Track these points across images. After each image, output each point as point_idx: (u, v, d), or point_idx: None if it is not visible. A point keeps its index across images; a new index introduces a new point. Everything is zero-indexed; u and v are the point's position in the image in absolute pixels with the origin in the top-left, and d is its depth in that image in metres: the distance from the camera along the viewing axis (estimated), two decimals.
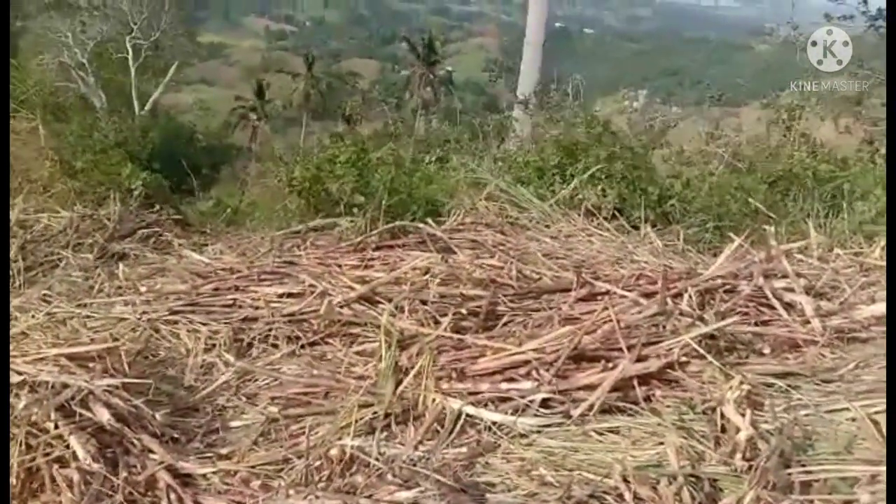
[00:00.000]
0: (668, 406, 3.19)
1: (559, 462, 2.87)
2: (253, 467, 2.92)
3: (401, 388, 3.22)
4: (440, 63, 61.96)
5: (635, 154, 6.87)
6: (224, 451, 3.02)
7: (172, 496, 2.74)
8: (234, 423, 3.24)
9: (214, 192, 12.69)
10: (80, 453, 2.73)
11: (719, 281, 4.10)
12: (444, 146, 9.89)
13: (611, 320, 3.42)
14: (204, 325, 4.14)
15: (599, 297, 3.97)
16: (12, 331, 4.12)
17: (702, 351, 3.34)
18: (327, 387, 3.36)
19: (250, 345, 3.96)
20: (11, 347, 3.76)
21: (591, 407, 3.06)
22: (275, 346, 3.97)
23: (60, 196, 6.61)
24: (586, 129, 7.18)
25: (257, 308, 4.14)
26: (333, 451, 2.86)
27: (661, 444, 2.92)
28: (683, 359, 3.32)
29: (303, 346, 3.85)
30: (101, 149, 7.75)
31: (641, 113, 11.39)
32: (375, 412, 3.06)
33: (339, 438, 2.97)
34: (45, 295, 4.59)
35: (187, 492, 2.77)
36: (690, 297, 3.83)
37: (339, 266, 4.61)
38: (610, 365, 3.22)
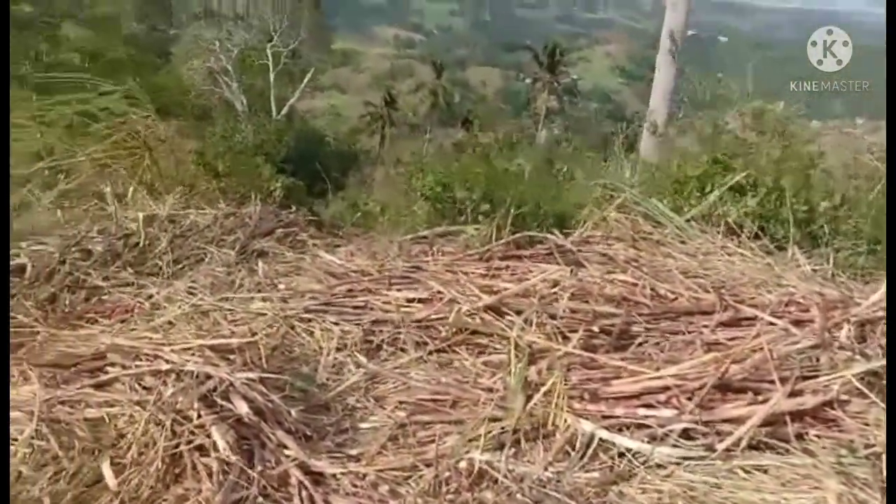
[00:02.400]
0: (824, 447, 2.91)
1: (700, 498, 2.69)
2: (381, 471, 2.92)
3: (530, 404, 3.13)
4: (565, 71, 61.34)
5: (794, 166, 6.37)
6: (353, 451, 3.04)
7: (304, 493, 2.79)
8: (363, 425, 3.27)
9: (343, 195, 13.10)
10: (221, 444, 2.82)
11: (881, 312, 3.74)
12: (570, 155, 9.70)
13: (761, 349, 3.18)
14: (336, 324, 4.22)
15: (745, 323, 3.72)
16: (160, 319, 4.40)
17: (864, 390, 3.04)
18: (455, 396, 3.33)
19: (379, 347, 3.99)
20: (160, 336, 4.00)
21: (738, 441, 2.85)
22: (402, 350, 3.98)
23: (206, 194, 7.00)
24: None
25: (387, 311, 4.17)
26: (462, 464, 2.81)
27: (817, 488, 2.67)
28: (843, 397, 3.03)
29: (430, 353, 3.84)
30: (240, 150, 8.18)
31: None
32: (504, 427, 2.98)
33: (467, 451, 2.92)
34: (190, 287, 4.84)
35: (318, 490, 2.81)
36: (850, 328, 3.51)
37: (466, 273, 4.56)
38: (760, 398, 2.99)
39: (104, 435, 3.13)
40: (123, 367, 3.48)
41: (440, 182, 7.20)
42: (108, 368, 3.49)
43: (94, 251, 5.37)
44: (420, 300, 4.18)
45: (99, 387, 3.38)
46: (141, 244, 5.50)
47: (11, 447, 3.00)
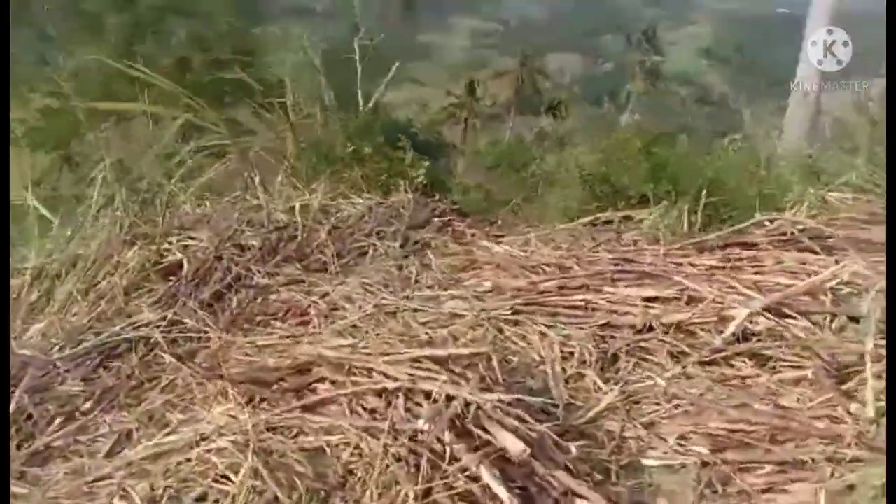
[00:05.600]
0: None
1: None
2: None
3: None
4: (651, 54, 59.29)
5: None
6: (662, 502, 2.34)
7: None
8: (648, 461, 2.57)
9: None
10: (503, 495, 2.16)
11: None
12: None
13: None
14: (549, 327, 3.55)
15: None
16: (343, 322, 3.84)
17: None
18: (770, 426, 2.58)
19: (616, 357, 3.29)
20: (356, 342, 3.43)
21: None
22: (643, 360, 3.26)
23: (349, 182, 6.45)
24: None
25: (620, 313, 3.46)
26: None
27: None
28: None
29: (693, 365, 3.10)
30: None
31: None
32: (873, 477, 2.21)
33: None
34: (364, 284, 4.28)
35: None
36: None
37: (693, 266, 3.80)
38: None
39: (329, 471, 2.55)
40: (333, 383, 2.90)
41: (600, 164, 6.47)
42: (317, 386, 2.91)
43: (249, 246, 4.90)
44: (660, 299, 3.43)
45: (309, 408, 2.81)
46: (299, 237, 4.99)
47: (226, 487, 2.46)
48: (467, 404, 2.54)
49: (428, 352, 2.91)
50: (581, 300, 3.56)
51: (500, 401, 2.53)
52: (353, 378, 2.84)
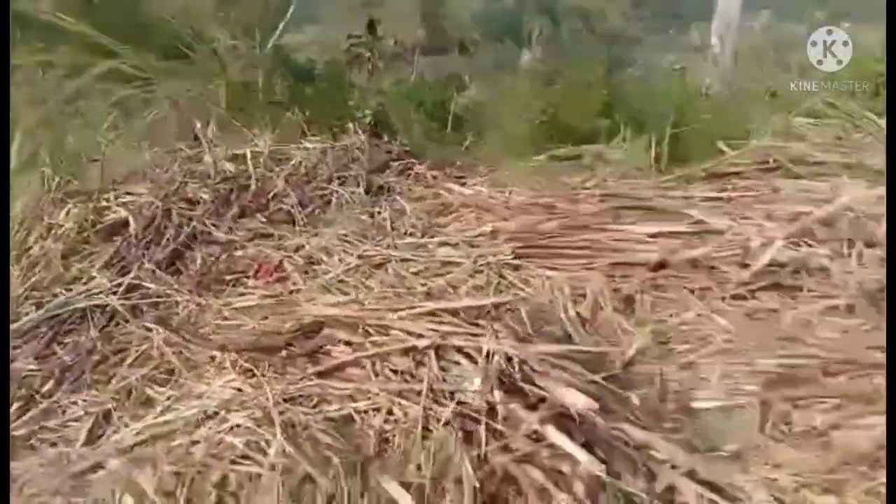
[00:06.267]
0: None
1: None
2: None
3: None
4: None
5: None
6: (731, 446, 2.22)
7: None
8: (699, 404, 2.44)
9: None
10: (582, 457, 1.98)
11: None
12: None
13: None
14: (553, 269, 3.38)
15: None
16: (327, 276, 3.54)
17: None
18: (821, 359, 2.51)
19: (630, 298, 3.15)
20: (342, 298, 3.16)
21: None
22: (659, 298, 3.15)
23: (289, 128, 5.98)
24: None
25: (629, 251, 3.31)
26: None
27: None
28: None
29: (717, 300, 3.00)
30: None
31: None
32: None
33: None
34: (342, 235, 3.97)
35: None
36: None
37: (690, 198, 3.70)
38: None
39: (361, 442, 2.31)
40: (348, 344, 2.63)
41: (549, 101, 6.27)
42: (331, 349, 2.63)
43: (198, 199, 4.45)
44: (673, 233, 3.30)
45: (325, 374, 2.54)
46: (253, 187, 4.57)
47: (257, 469, 2.18)
48: (508, 359, 2.34)
49: (448, 304, 2.68)
50: (584, 240, 3.39)
51: (545, 354, 2.35)
52: (372, 338, 2.57)
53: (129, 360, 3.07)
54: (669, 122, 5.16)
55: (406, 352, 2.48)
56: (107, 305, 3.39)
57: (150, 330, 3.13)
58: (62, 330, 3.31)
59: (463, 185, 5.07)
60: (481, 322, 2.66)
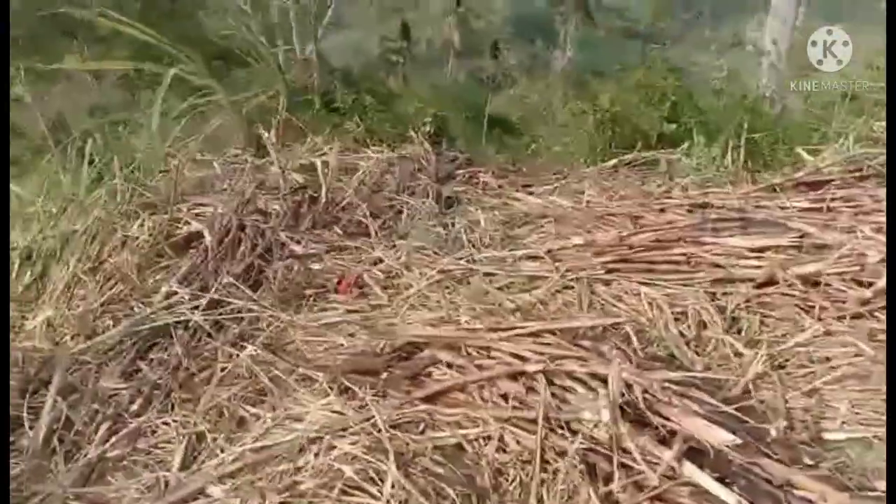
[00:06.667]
0: None
1: None
2: None
3: None
4: None
5: None
6: None
7: None
8: (831, 436, 2.29)
9: None
10: (729, 499, 1.85)
11: None
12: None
13: None
14: (643, 284, 3.24)
15: None
16: (410, 292, 3.45)
17: None
18: None
19: (734, 318, 2.99)
20: (434, 315, 3.06)
21: None
22: (766, 317, 2.98)
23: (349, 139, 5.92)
24: None
25: (717, 266, 3.15)
26: None
27: None
28: None
29: (833, 321, 2.83)
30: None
31: None
32: None
33: None
34: (419, 247, 3.87)
35: None
36: None
37: (783, 209, 3.53)
38: None
39: (474, 473, 2.20)
40: (450, 366, 2.53)
41: (617, 103, 6.13)
42: (433, 371, 2.53)
43: (269, 211, 4.39)
44: (777, 248, 3.12)
45: (431, 398, 2.44)
46: (324, 199, 4.51)
47: (362, 499, 2.09)
48: (628, 386, 2.22)
49: (557, 324, 2.56)
50: (681, 254, 3.24)
51: (669, 382, 2.21)
52: (477, 360, 2.47)
53: (216, 379, 3.00)
54: (744, 128, 5.01)
55: (514, 376, 2.37)
56: (189, 321, 3.33)
57: (237, 346, 3.07)
58: (145, 346, 3.27)
59: (530, 193, 4.96)
60: (586, 344, 2.54)
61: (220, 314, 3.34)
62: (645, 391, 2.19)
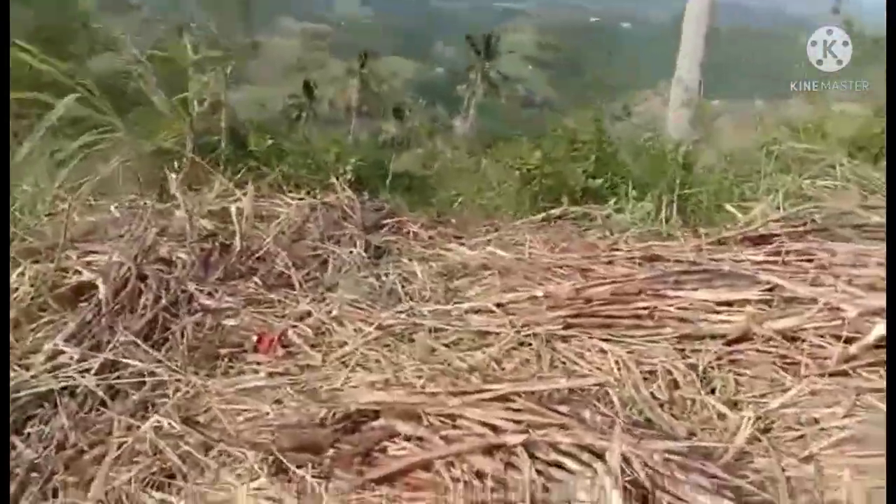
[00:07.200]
0: None
1: None
2: None
3: None
4: (485, 60, 61.03)
5: None
6: None
7: None
8: None
9: None
10: None
11: None
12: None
13: None
14: (606, 341, 2.97)
15: None
16: (346, 349, 3.03)
17: None
18: None
19: (706, 377, 2.76)
20: (378, 377, 2.67)
21: None
22: (740, 375, 2.77)
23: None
24: None
25: (684, 320, 2.93)
26: None
27: None
28: None
29: (814, 378, 2.62)
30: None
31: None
32: None
33: None
34: (352, 301, 3.47)
35: None
36: None
37: (740, 262, 3.39)
38: None
39: None
40: (408, 439, 2.13)
41: (546, 158, 6.03)
42: (388, 445, 2.12)
43: (178, 260, 3.88)
44: (736, 303, 2.93)
45: (387, 479, 2.02)
46: (237, 247, 4.04)
47: None
48: (624, 459, 1.90)
49: (530, 386, 2.22)
50: (643, 308, 3.00)
51: (670, 452, 1.91)
52: (443, 432, 2.08)
53: (110, 457, 2.45)
54: (678, 183, 4.98)
55: (489, 450, 2.00)
56: (77, 386, 2.77)
57: (138, 417, 2.54)
58: (22, 417, 2.67)
59: (462, 245, 4.68)
60: (562, 409, 2.22)
61: (117, 378, 2.81)
62: (645, 464, 1.88)
